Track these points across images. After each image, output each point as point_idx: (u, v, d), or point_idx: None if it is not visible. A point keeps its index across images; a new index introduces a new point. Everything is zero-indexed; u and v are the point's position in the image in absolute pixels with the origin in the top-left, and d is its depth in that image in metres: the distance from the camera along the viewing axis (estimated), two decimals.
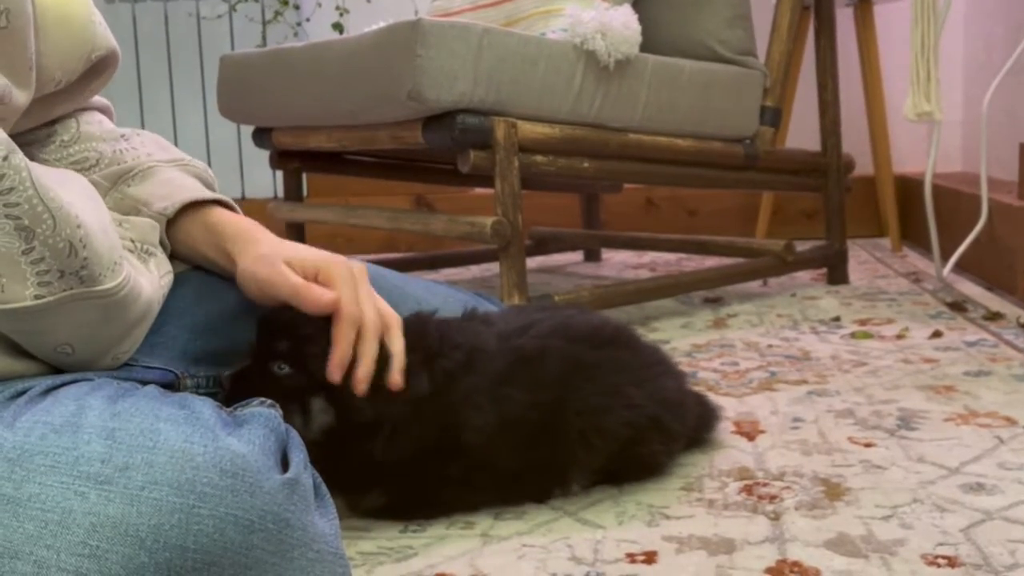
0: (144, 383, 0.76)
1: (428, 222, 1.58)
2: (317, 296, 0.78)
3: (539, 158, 1.49)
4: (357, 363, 0.78)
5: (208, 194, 0.86)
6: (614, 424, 0.87)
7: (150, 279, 0.78)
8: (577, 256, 2.50)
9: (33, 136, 0.85)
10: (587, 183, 2.35)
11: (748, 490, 0.88)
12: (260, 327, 0.82)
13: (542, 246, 2.39)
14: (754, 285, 1.95)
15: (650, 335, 1.54)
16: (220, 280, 0.91)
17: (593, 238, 2.36)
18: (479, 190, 2.43)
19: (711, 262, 2.13)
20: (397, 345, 0.80)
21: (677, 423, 0.92)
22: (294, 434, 0.68)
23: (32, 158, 0.83)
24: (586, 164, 1.55)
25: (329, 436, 0.79)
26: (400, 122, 1.50)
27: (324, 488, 0.67)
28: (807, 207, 2.61)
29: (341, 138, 1.67)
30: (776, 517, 0.82)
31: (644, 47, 1.58)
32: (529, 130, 1.46)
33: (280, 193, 2.08)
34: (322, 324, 0.79)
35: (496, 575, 0.74)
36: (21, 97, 0.74)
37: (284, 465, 0.64)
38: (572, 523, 0.83)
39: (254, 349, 0.82)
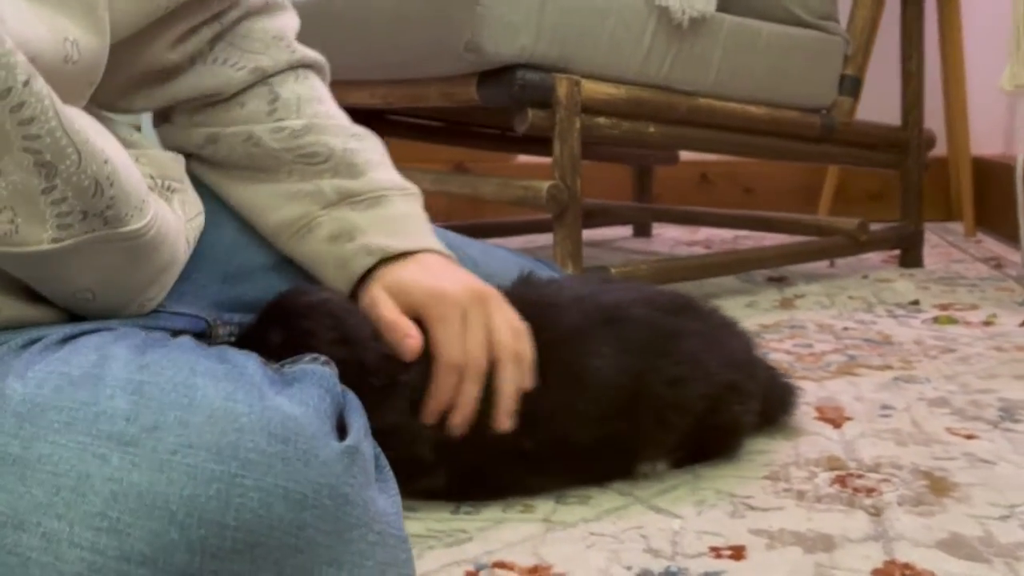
0: (173, 332, 0.68)
1: (477, 186, 1.49)
2: (399, 340, 0.72)
3: (602, 120, 1.40)
4: (454, 410, 0.72)
5: (433, 245, 0.79)
6: (691, 397, 0.78)
7: (176, 219, 0.69)
8: (626, 231, 2.40)
9: (254, 110, 0.79)
10: (641, 153, 2.25)
11: (841, 481, 0.79)
12: (265, 308, 0.73)
13: (589, 219, 2.27)
14: (820, 266, 1.84)
15: None
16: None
17: (645, 211, 2.25)
18: (524, 158, 2.33)
19: (769, 241, 2.02)
20: (506, 385, 0.73)
21: (750, 382, 0.84)
22: (352, 397, 0.59)
23: (257, 143, 0.78)
24: (652, 129, 1.45)
25: None
26: (453, 77, 1.41)
27: (384, 460, 0.58)
28: (872, 188, 2.48)
29: (386, 95, 1.58)
30: (877, 513, 0.72)
31: (720, 6, 1.48)
32: (593, 89, 1.36)
33: None
34: (330, 320, 0.71)
35: (563, 566, 0.65)
36: (93, 44, 0.64)
37: (341, 432, 0.56)
38: (644, 511, 0.74)
39: (246, 331, 0.73)
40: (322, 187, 0.78)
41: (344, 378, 0.69)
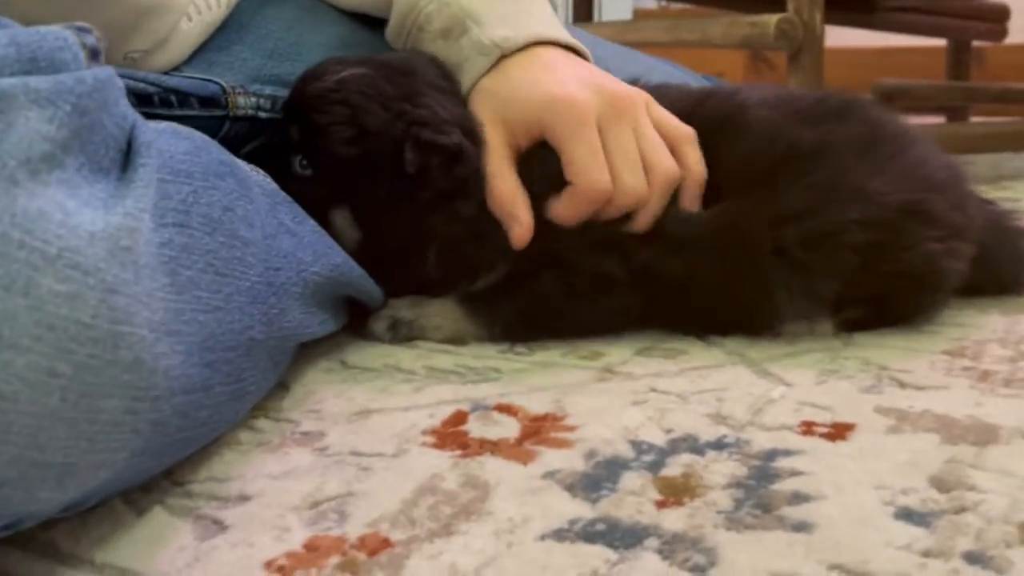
0: (180, 95, 0.58)
1: (706, 28, 1.27)
2: (505, 220, 0.58)
3: None
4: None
5: (560, 35, 0.64)
6: (839, 223, 0.56)
7: None
8: (938, 120, 2.02)
9: None
10: (958, 24, 1.87)
11: None
12: (286, 98, 0.61)
13: (887, 102, 1.95)
14: None
15: (994, 193, 1.14)
16: (330, 8, 0.70)
17: (954, 91, 1.88)
18: (837, 42, 2.02)
19: None
20: (642, 218, 0.58)
21: (956, 213, 0.59)
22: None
23: None
24: None
25: (362, 256, 0.58)
26: None
27: (144, 158, 0.37)
28: None
29: None
30: None
31: None
32: None
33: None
34: (344, 112, 0.57)
35: (580, 419, 0.48)
36: None
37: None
38: (744, 373, 0.54)
39: (277, 124, 0.61)
40: None
41: (371, 183, 0.57)
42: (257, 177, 0.52)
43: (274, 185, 0.54)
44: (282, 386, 0.53)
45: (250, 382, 0.45)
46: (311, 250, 0.52)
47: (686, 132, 0.60)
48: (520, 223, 0.57)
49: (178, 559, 0.37)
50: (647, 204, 0.58)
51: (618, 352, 0.58)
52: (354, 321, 0.60)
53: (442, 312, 0.60)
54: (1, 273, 0.29)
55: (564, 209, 0.58)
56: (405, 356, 0.58)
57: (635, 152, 0.58)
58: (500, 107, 0.59)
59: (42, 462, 0.31)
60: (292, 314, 0.49)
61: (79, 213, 0.32)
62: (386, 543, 0.37)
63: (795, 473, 0.41)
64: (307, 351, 0.56)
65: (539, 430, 0.47)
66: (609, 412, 0.48)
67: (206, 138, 0.49)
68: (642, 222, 0.58)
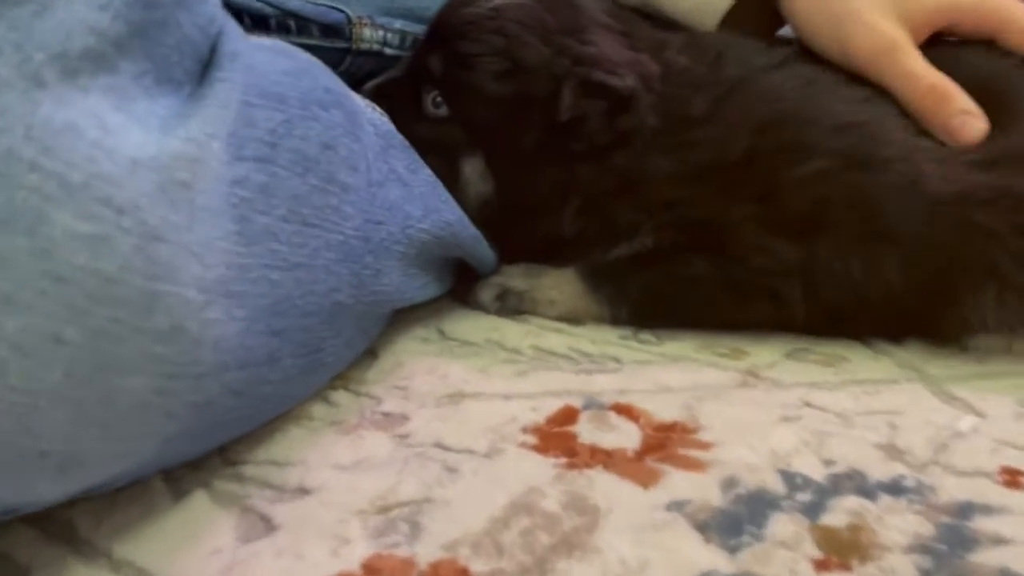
0: (300, 20, 0.52)
1: None
2: (950, 117, 0.48)
3: None
4: None
5: None
6: None
7: None
8: None
9: None
10: None
11: None
12: (428, 27, 0.53)
13: None
14: None
15: None
16: None
17: None
18: None
19: None
20: None
21: None
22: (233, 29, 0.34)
23: None
24: None
25: (484, 214, 0.51)
26: None
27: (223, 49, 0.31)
28: None
29: None
30: None
31: None
32: None
33: None
34: (497, 41, 0.49)
35: (716, 433, 0.39)
36: None
37: None
38: (922, 394, 0.44)
39: (411, 58, 0.54)
40: None
41: (516, 128, 0.49)
42: (372, 114, 0.45)
43: (390, 126, 0.46)
44: (370, 353, 0.45)
45: (329, 352, 0.38)
46: (421, 203, 0.45)
47: None
48: (974, 113, 0.48)
49: (209, 565, 0.30)
50: None
51: (765, 352, 0.49)
52: (458, 286, 0.52)
53: (560, 285, 0.52)
54: (1, 201, 0.22)
55: None
56: (511, 332, 0.50)
57: None
58: (887, 5, 0.51)
59: (34, 450, 0.24)
60: (390, 276, 0.42)
61: (123, 132, 0.25)
62: (464, 574, 0.30)
63: (1000, 541, 0.32)
64: (401, 315, 0.48)
65: (665, 443, 0.38)
66: (753, 429, 0.39)
67: (314, 60, 0.42)
68: None
